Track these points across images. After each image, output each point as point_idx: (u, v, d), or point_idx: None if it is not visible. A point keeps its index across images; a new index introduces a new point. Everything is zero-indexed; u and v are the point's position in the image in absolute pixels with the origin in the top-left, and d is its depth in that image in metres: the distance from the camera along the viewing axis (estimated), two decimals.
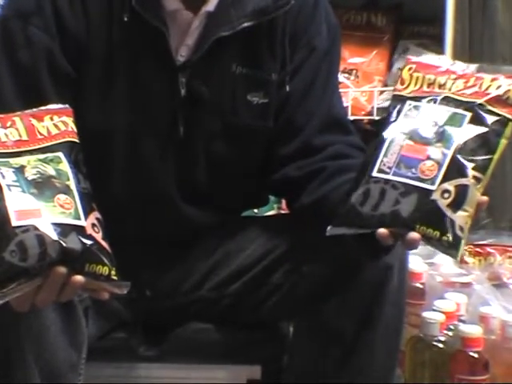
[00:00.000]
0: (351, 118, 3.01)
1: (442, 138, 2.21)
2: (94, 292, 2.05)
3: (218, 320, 2.71)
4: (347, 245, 2.24)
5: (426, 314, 2.48)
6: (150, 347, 2.71)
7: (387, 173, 2.18)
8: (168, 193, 2.59)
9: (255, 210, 3.10)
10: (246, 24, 2.50)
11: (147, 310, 2.59)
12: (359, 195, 2.18)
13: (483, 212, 2.80)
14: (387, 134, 2.25)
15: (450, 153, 2.16)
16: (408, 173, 2.17)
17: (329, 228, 2.19)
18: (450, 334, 2.46)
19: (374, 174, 2.17)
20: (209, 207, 2.68)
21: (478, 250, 2.72)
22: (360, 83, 3.63)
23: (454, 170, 2.15)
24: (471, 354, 2.39)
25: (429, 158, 2.17)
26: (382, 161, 2.20)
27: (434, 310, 2.50)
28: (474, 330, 2.41)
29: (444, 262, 2.66)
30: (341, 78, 3.27)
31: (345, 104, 2.97)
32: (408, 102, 2.28)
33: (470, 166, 2.16)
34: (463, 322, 2.49)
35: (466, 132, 2.20)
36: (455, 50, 3.45)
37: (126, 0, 2.45)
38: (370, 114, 3.68)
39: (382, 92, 3.76)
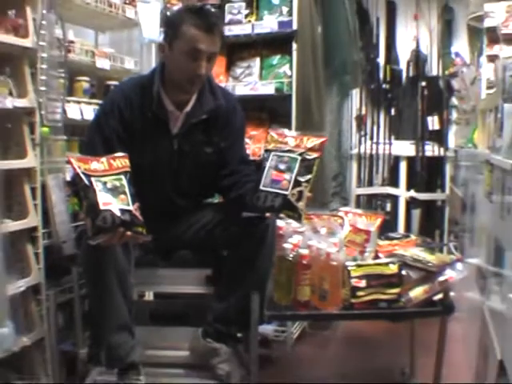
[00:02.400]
0: (251, 158, 3.12)
1: (289, 169, 2.49)
2: (135, 239, 2.35)
3: (195, 249, 2.85)
4: (248, 217, 2.54)
5: (284, 245, 2.58)
6: (163, 262, 2.85)
7: (267, 187, 2.48)
8: (168, 192, 2.79)
9: (209, 200, 3.09)
10: (204, 116, 2.74)
11: (162, 245, 2.72)
12: (256, 197, 2.48)
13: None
14: (264, 167, 2.53)
15: (293, 176, 2.47)
16: (276, 186, 2.47)
17: (243, 213, 2.53)
18: (295, 253, 2.54)
19: (261, 187, 2.48)
20: (188, 199, 2.85)
21: (307, 216, 2.75)
22: (255, 143, 3.64)
23: (296, 183, 2.45)
24: (303, 262, 2.49)
25: (284, 179, 2.47)
26: (264, 181, 2.50)
27: (288, 243, 2.59)
28: (305, 252, 2.51)
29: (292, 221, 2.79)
30: (247, 140, 3.34)
31: (247, 152, 3.11)
32: (272, 153, 2.56)
33: (303, 180, 2.47)
34: (300, 248, 2.56)
35: (299, 166, 2.49)
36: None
37: (150, 107, 2.67)
38: (260, 156, 3.66)
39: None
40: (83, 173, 2.33)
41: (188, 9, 2.73)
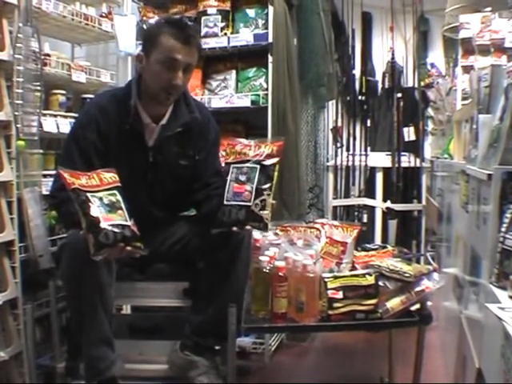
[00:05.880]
0: None
1: (249, 180, 2.55)
2: (133, 254, 2.39)
3: (171, 261, 2.85)
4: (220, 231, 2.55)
5: (261, 258, 2.53)
6: (140, 275, 2.85)
7: (229, 201, 2.54)
8: (144, 204, 2.78)
9: (186, 212, 3.06)
10: (178, 129, 2.77)
11: (138, 258, 2.50)
12: (221, 212, 2.53)
13: (285, 212, 3.05)
14: (227, 181, 2.58)
15: (254, 186, 2.52)
16: (239, 199, 2.52)
17: (212, 230, 2.55)
18: (272, 265, 2.49)
19: (225, 202, 2.54)
20: (164, 211, 2.87)
21: (283, 228, 2.81)
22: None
23: (257, 193, 2.51)
24: (280, 274, 2.45)
25: (246, 190, 2.52)
26: (226, 195, 2.55)
27: (264, 255, 2.54)
28: (281, 264, 2.47)
29: (268, 234, 2.64)
30: (222, 152, 3.38)
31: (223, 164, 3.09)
32: (232, 165, 2.62)
33: (264, 188, 2.51)
34: (277, 260, 2.52)
35: (259, 175, 2.54)
36: None
37: (126, 119, 2.69)
38: None
39: None
40: (78, 188, 2.34)
41: (167, 20, 2.75)
